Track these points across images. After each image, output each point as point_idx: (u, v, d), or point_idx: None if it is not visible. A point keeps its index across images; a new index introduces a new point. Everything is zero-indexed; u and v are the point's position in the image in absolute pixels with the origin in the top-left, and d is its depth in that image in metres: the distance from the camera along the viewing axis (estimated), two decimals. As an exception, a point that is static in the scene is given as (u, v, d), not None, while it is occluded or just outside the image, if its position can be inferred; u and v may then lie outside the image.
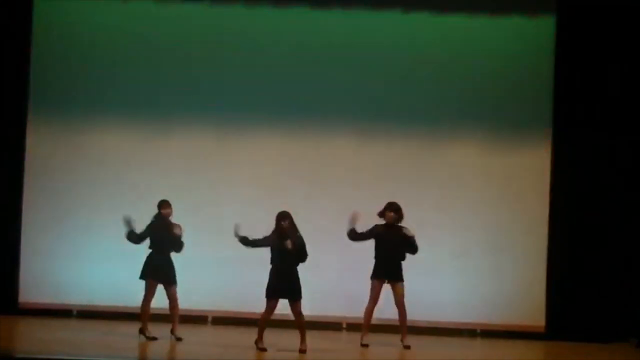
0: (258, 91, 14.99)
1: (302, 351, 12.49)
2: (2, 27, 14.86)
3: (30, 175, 14.94)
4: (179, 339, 12.88)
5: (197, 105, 15.02)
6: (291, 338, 12.81)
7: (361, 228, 13.14)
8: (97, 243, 14.76)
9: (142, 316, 12.95)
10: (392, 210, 13.08)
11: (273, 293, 12.44)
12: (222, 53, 15.06)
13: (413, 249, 13.12)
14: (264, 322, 12.55)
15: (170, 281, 12.89)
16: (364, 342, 13.13)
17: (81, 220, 14.87)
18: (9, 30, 14.90)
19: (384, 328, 13.83)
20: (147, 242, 12.96)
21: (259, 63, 15.00)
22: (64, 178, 14.93)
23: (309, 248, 12.55)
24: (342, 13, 14.99)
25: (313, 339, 13.07)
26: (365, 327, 13.19)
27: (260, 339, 12.58)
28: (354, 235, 13.15)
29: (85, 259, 14.81)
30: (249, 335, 13.54)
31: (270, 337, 12.84)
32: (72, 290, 14.84)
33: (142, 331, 12.97)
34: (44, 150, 14.98)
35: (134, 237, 12.96)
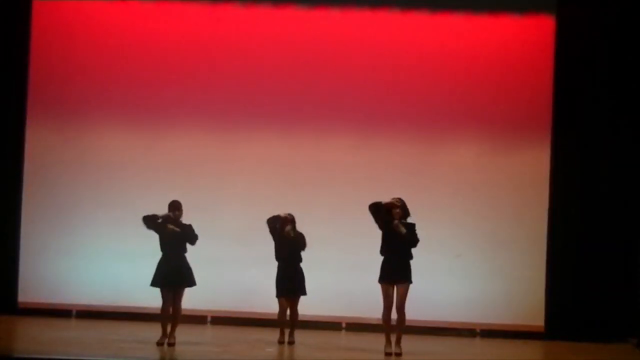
0: (257, 91, 14.99)
1: (281, 342, 12.88)
2: (2, 26, 14.87)
3: (30, 176, 14.96)
4: (171, 344, 12.44)
5: (196, 105, 15.02)
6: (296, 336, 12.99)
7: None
8: (97, 243, 14.78)
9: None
10: (398, 207, 12.33)
11: (278, 291, 12.89)
12: (222, 53, 15.06)
13: (414, 244, 12.31)
14: (279, 321, 12.92)
15: (183, 284, 12.41)
16: (387, 350, 12.28)
17: (81, 221, 14.87)
18: (9, 29, 14.91)
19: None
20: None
21: (258, 63, 14.99)
22: (64, 178, 14.94)
23: (309, 248, 12.91)
24: (341, 13, 15.00)
25: (313, 338, 13.11)
26: (387, 334, 12.30)
27: (280, 334, 13.01)
28: (376, 209, 12.22)
29: (85, 259, 14.82)
30: (249, 335, 13.59)
31: (271, 336, 12.92)
32: (72, 290, 14.85)
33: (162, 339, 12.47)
34: (44, 151, 14.98)
35: (148, 220, 12.34)
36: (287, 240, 12.89)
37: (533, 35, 14.95)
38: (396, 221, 12.23)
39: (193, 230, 12.41)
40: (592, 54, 14.72)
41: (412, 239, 12.27)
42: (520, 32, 14.94)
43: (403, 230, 12.23)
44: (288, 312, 12.98)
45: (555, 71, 14.81)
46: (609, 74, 14.70)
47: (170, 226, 12.37)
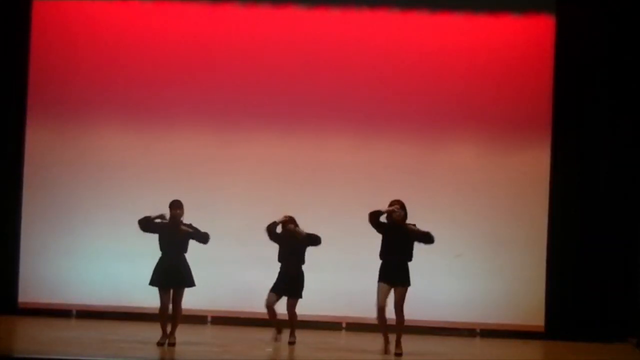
0: (257, 91, 14.99)
1: (281, 341, 12.90)
2: (2, 26, 14.87)
3: (30, 176, 14.96)
4: (172, 344, 12.34)
5: (196, 105, 15.02)
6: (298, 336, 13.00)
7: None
8: (96, 243, 14.78)
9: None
10: (399, 209, 12.08)
11: (272, 288, 12.86)
12: (222, 53, 15.06)
13: (428, 238, 12.11)
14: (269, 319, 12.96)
15: (182, 284, 12.23)
16: (385, 348, 12.17)
17: (81, 221, 14.87)
18: (9, 29, 14.91)
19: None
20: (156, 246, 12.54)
21: (258, 63, 15.00)
22: (64, 178, 14.94)
23: (309, 247, 12.91)
24: (341, 13, 15.01)
25: (313, 338, 13.10)
26: (384, 334, 12.16)
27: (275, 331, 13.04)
28: (375, 217, 12.05)
29: (84, 259, 14.82)
30: (249, 335, 13.59)
31: (271, 336, 12.94)
32: (72, 290, 14.86)
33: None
34: (44, 151, 14.98)
35: (144, 223, 12.17)
36: (289, 243, 12.80)
37: (533, 35, 14.95)
38: (396, 214, 12.06)
39: (199, 230, 12.38)
40: (592, 54, 14.72)
41: (425, 234, 12.07)
42: (520, 32, 14.94)
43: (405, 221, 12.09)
44: (284, 310, 12.91)
45: (555, 71, 14.82)
46: (609, 73, 14.71)
47: (183, 227, 12.21)
